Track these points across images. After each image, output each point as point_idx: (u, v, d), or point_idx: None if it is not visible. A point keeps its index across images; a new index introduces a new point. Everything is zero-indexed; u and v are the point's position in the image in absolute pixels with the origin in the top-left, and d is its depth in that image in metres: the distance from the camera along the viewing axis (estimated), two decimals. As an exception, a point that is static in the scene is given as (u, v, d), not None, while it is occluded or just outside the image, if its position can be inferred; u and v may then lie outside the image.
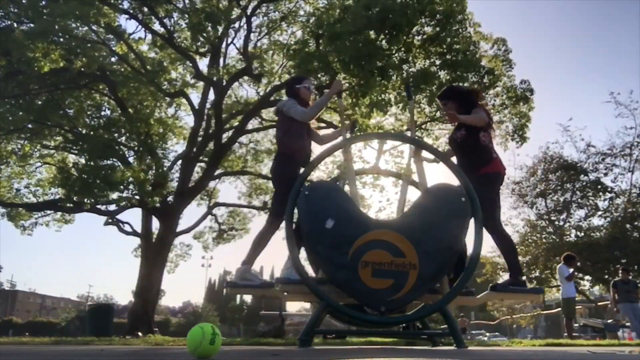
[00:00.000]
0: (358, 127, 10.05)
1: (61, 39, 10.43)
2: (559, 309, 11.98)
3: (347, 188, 3.95)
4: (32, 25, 10.24)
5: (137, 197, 12.53)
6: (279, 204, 3.58)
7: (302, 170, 3.66)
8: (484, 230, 3.42)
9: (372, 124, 12.31)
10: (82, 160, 13.02)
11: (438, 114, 12.61)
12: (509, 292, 3.70)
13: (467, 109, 3.76)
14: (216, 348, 1.96)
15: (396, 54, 11.53)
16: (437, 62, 11.91)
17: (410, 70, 11.74)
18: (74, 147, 13.39)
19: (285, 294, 3.60)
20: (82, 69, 11.16)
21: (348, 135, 3.89)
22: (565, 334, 8.97)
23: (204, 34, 12.07)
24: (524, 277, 3.69)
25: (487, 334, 27.35)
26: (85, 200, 12.11)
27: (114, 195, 12.48)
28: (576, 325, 10.06)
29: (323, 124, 13.08)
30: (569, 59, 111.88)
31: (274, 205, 3.70)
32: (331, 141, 3.88)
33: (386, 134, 8.27)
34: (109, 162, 12.53)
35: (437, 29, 11.55)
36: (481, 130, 3.71)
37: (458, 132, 3.82)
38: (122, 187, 12.15)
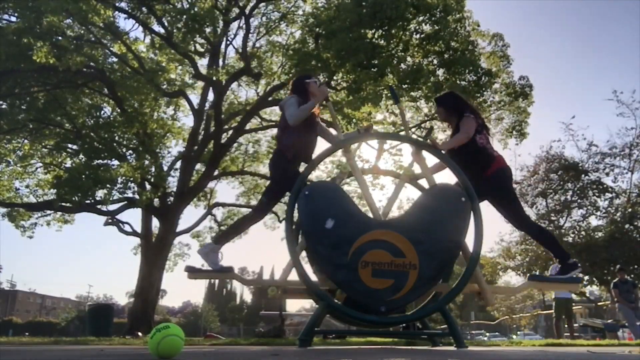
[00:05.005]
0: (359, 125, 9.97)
1: (50, 37, 10.31)
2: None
3: (346, 188, 3.95)
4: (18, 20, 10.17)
5: (126, 193, 12.54)
6: (266, 196, 3.75)
7: (299, 167, 3.68)
8: (517, 229, 3.44)
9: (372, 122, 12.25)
10: (77, 160, 12.98)
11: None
12: (545, 282, 3.79)
13: (458, 114, 3.82)
14: (154, 340, 2.04)
15: (393, 51, 11.46)
16: (435, 61, 11.87)
17: (403, 67, 11.65)
18: (72, 147, 13.35)
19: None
20: (84, 69, 11.10)
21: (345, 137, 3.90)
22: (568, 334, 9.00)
23: (198, 35, 12.01)
24: (573, 260, 3.64)
25: (487, 334, 27.34)
26: (74, 198, 12.07)
27: (101, 193, 12.47)
28: (576, 325, 10.03)
29: (323, 124, 13.04)
30: (570, 57, 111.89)
31: (262, 196, 3.85)
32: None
33: (386, 134, 8.22)
34: (104, 162, 12.50)
35: (436, 26, 11.51)
36: (476, 133, 3.71)
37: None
38: (111, 184, 12.10)
